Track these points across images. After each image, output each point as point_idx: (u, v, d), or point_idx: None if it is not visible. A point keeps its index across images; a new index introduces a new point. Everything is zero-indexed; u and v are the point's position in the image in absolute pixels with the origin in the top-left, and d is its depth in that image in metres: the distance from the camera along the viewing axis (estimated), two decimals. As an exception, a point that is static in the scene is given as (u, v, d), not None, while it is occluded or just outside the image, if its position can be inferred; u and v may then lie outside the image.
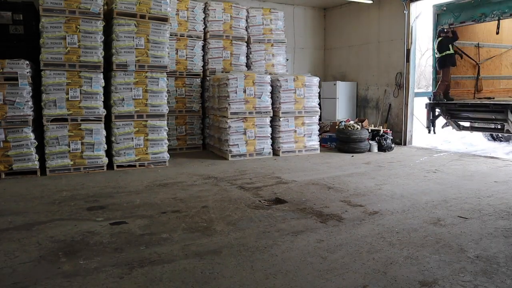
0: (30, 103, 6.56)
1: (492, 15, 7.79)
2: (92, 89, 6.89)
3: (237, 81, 8.18)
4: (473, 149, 9.43)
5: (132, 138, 7.26)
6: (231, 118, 8.17)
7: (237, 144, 8.26)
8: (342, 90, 11.47)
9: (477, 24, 8.77)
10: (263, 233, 4.00)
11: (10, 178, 6.45)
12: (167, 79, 7.74)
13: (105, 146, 7.08)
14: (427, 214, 4.61)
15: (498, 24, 8.03)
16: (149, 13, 7.27)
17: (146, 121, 7.36)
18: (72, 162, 6.83)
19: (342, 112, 11.48)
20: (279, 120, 8.61)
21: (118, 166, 7.22)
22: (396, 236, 3.92)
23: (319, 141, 9.26)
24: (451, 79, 9.30)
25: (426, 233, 3.96)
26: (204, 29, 9.44)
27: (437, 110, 9.01)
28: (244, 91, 8.25)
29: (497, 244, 3.69)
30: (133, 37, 7.19)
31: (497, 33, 8.21)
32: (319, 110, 9.25)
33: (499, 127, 8.42)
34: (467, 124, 9.10)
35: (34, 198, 5.31)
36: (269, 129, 8.63)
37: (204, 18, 9.43)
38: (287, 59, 11.06)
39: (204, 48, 9.49)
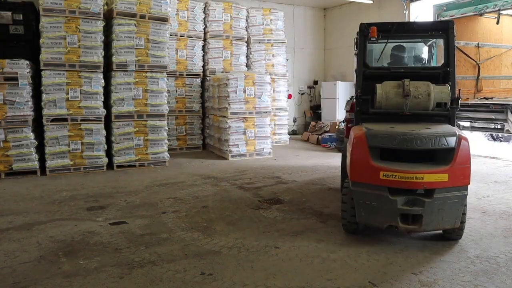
0: (30, 103, 6.56)
1: (494, 6, 7.85)
2: (92, 89, 6.88)
3: (237, 81, 8.17)
4: (473, 149, 9.42)
5: (132, 138, 7.26)
6: (231, 118, 8.17)
7: (237, 144, 8.26)
8: (342, 90, 11.45)
9: (478, 16, 8.78)
10: (263, 233, 4.01)
11: (10, 178, 6.45)
12: (167, 79, 7.74)
13: (105, 146, 7.08)
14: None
15: (499, 15, 8.07)
16: (149, 13, 7.27)
17: (146, 121, 7.36)
18: (72, 162, 6.83)
19: (342, 112, 11.46)
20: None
21: (118, 166, 7.21)
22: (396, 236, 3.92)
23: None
24: None
25: (426, 233, 3.96)
26: (204, 29, 9.44)
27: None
28: (244, 91, 8.24)
29: (497, 244, 3.69)
30: (133, 37, 7.18)
31: (497, 23, 8.26)
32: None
33: (499, 127, 8.42)
34: (467, 124, 9.09)
35: (34, 198, 5.31)
36: (269, 129, 8.63)
37: (204, 18, 9.43)
38: (287, 59, 11.06)
39: (204, 48, 9.48)
